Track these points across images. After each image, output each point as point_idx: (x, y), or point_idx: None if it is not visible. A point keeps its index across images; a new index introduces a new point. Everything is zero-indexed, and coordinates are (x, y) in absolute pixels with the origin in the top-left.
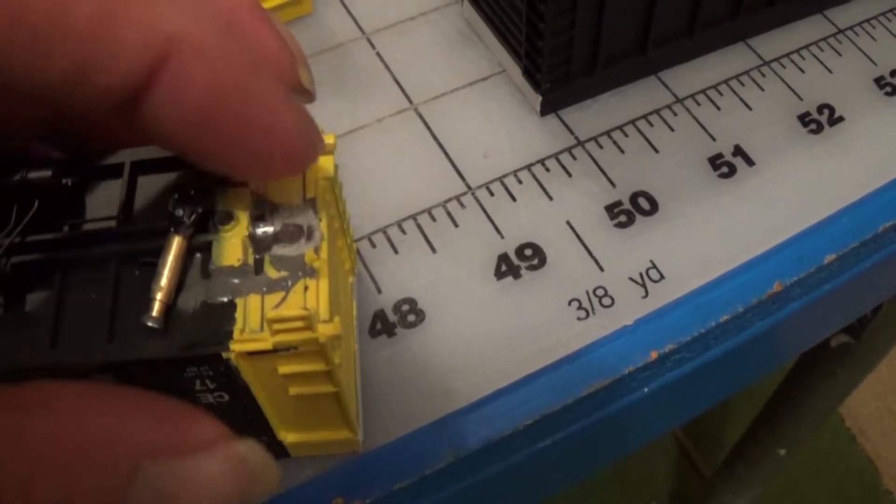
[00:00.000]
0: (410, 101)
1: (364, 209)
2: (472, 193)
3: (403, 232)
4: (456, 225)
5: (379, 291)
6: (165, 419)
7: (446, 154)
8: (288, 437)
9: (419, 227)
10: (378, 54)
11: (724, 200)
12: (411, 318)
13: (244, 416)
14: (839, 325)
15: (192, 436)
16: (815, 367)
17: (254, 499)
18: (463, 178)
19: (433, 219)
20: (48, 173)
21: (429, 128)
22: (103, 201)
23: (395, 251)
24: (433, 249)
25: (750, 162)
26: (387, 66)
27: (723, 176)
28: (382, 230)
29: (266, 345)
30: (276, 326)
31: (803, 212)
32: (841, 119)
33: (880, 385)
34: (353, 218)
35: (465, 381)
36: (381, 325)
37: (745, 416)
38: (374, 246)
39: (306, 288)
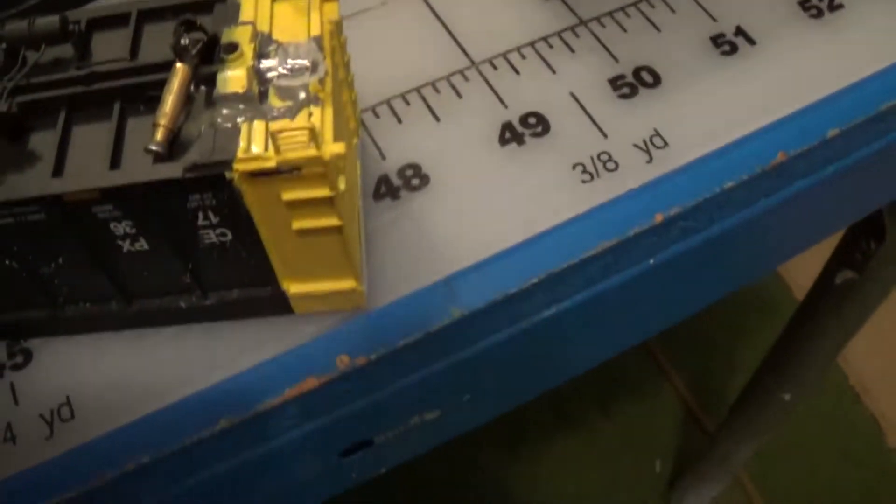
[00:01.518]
0: None
1: (368, 84)
2: (476, 67)
3: (407, 103)
4: (459, 96)
5: (383, 158)
6: None
7: (449, 32)
8: (291, 287)
9: (423, 98)
10: None
11: (727, 76)
12: (415, 182)
13: (248, 261)
14: (847, 220)
15: None
16: (819, 304)
17: None
18: (466, 54)
19: (437, 91)
20: (55, 19)
21: (431, 8)
22: (111, 46)
23: (399, 121)
24: (437, 119)
25: (751, 41)
26: None
27: (725, 54)
28: (386, 101)
29: (270, 163)
30: (281, 141)
31: (806, 90)
32: (840, 6)
33: (885, 344)
34: (357, 92)
35: (470, 241)
36: (385, 189)
37: (750, 372)
38: (377, 117)
39: (311, 115)
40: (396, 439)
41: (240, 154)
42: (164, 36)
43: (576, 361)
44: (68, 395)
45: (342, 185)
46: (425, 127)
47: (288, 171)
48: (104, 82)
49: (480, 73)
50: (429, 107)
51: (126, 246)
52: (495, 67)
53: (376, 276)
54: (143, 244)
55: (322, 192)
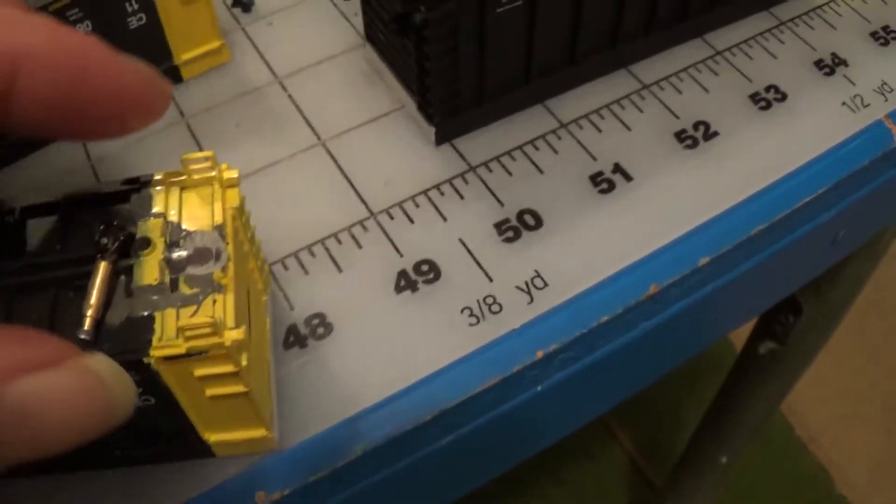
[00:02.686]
0: (319, 138)
1: (277, 236)
2: (374, 218)
3: (312, 255)
4: (360, 246)
5: (291, 308)
6: (7, 343)
7: (351, 184)
8: (211, 437)
9: (326, 249)
10: (290, 96)
11: (604, 213)
12: (321, 330)
13: (171, 419)
14: (732, 327)
15: (38, 354)
16: (746, 374)
17: (117, 412)
18: (366, 205)
19: (339, 242)
20: None
21: (335, 161)
22: (42, 234)
23: (306, 272)
24: (339, 269)
25: (628, 178)
26: (297, 107)
27: (603, 192)
28: (294, 254)
29: (180, 350)
30: (188, 333)
31: (680, 221)
32: (716, 134)
33: (828, 392)
34: (267, 244)
35: (371, 383)
36: (293, 338)
37: (693, 428)
38: (286, 268)
39: (215, 301)
40: None
41: (155, 342)
42: (88, 222)
43: (478, 474)
44: None
45: (244, 362)
46: (329, 278)
47: (196, 354)
48: (40, 274)
49: (378, 224)
50: (332, 258)
51: None
52: (392, 217)
53: (288, 419)
54: None
55: (227, 368)
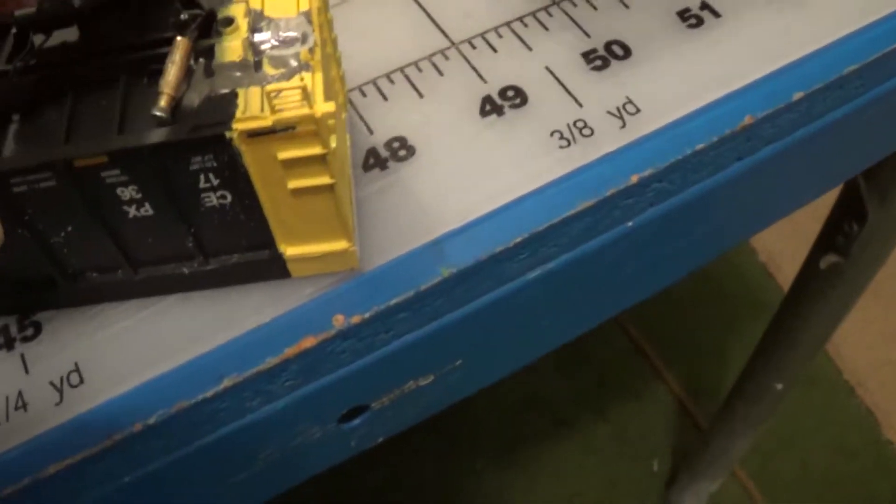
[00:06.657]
0: None
1: (351, 66)
2: (456, 47)
3: (391, 82)
4: (441, 74)
5: (370, 132)
6: None
7: (429, 15)
8: (288, 249)
9: (406, 77)
10: None
11: (694, 47)
12: (402, 152)
13: (247, 224)
14: (821, 187)
15: None
16: (806, 290)
17: None
18: (446, 35)
19: (419, 70)
20: (59, 3)
21: None
22: (114, 24)
23: (385, 98)
24: (420, 95)
25: (716, 14)
26: None
27: (691, 27)
28: (372, 81)
29: (266, 122)
30: (276, 101)
31: (771, 57)
32: None
33: (877, 336)
34: (344, 71)
35: (456, 205)
36: (373, 161)
37: (742, 368)
38: (364, 95)
39: (302, 79)
40: (393, 406)
41: (238, 115)
42: (163, 15)
43: (562, 328)
44: (77, 362)
45: (333, 144)
46: (410, 103)
47: (283, 130)
48: (110, 58)
49: (460, 52)
50: (412, 84)
51: (132, 212)
52: (474, 47)
53: (368, 241)
54: (147, 209)
55: (315, 149)
